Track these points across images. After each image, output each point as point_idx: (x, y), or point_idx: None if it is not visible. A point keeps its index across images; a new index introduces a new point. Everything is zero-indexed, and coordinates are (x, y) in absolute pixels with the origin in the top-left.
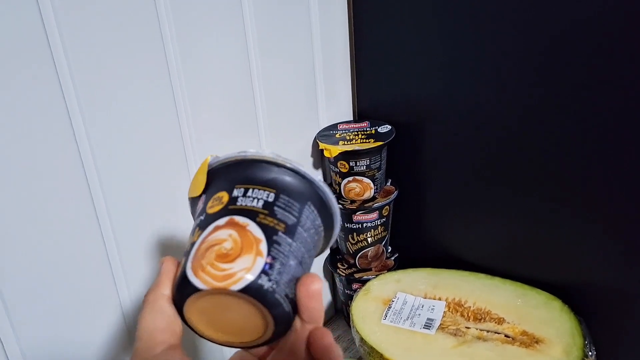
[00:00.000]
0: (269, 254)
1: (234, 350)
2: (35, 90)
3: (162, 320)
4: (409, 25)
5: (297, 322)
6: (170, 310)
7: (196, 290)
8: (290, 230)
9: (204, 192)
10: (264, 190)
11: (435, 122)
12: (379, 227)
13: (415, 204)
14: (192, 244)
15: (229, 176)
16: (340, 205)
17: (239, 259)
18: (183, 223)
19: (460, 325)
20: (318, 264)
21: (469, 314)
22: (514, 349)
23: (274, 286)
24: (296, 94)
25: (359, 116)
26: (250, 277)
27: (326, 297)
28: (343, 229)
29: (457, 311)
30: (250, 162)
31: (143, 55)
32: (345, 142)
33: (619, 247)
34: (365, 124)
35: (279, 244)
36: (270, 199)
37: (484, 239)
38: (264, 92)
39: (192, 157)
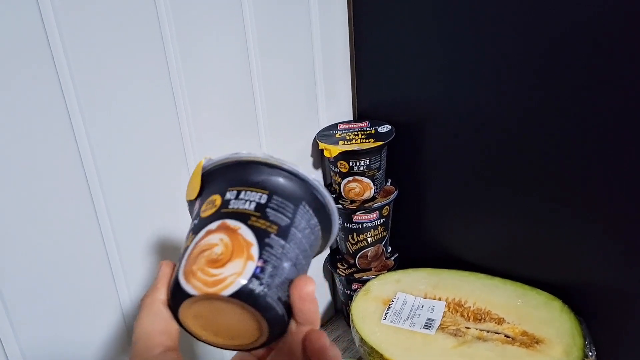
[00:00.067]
0: (260, 257)
1: (234, 352)
2: (35, 90)
3: (159, 323)
4: (409, 26)
5: (293, 324)
6: (166, 313)
7: (188, 296)
8: (283, 232)
9: (199, 195)
10: (257, 192)
11: (435, 123)
12: (379, 227)
13: (415, 204)
14: (186, 249)
15: (222, 179)
16: (340, 205)
17: (230, 263)
18: (183, 223)
19: (460, 325)
20: (318, 264)
21: (469, 314)
22: (514, 349)
23: (266, 290)
24: (296, 94)
25: (359, 116)
26: (240, 282)
27: (326, 297)
28: (343, 229)
29: (457, 311)
30: (243, 164)
31: (143, 55)
32: (345, 142)
33: (619, 247)
34: (365, 123)
35: (271, 246)
36: (263, 201)
37: (484, 239)
38: (264, 92)
39: (192, 156)
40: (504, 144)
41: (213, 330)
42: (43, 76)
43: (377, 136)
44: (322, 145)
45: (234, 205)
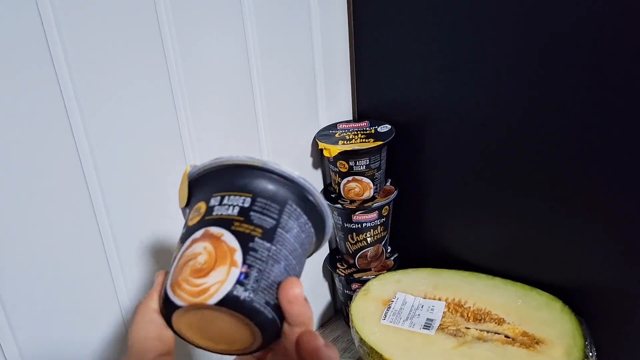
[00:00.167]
0: (244, 262)
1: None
2: (34, 90)
3: (153, 329)
4: (409, 26)
5: (286, 325)
6: (159, 320)
7: (177, 307)
8: (268, 235)
9: (188, 202)
10: (240, 196)
11: (435, 123)
12: (379, 227)
13: (415, 204)
14: (174, 259)
15: (207, 185)
16: (340, 205)
17: (213, 272)
18: (181, 223)
19: (460, 325)
20: (317, 264)
21: (469, 315)
22: (515, 350)
23: (251, 295)
24: (296, 93)
25: (358, 116)
26: (224, 290)
27: (325, 297)
28: (342, 228)
29: (457, 311)
30: (226, 169)
31: (142, 54)
32: (345, 142)
33: (619, 247)
34: (365, 123)
35: (255, 250)
36: (246, 204)
37: (484, 239)
38: (263, 91)
39: (192, 157)
40: (504, 144)
41: (208, 337)
42: (42, 76)
43: (376, 136)
44: (321, 145)
45: (217, 211)
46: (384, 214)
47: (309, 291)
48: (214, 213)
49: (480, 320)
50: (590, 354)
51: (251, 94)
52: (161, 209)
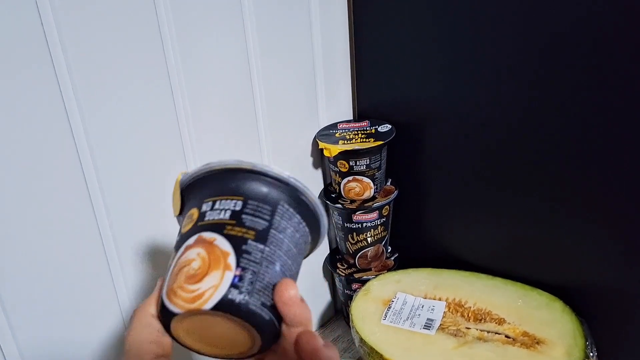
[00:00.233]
0: (238, 265)
1: None
2: (34, 91)
3: (150, 333)
4: (409, 26)
5: (284, 327)
6: (157, 324)
7: (173, 314)
8: (261, 236)
9: (181, 210)
10: (231, 200)
11: (435, 123)
12: (379, 227)
13: (415, 203)
14: (169, 267)
15: (199, 191)
16: (340, 205)
17: (207, 277)
18: None
19: (461, 325)
20: (318, 264)
21: (470, 315)
22: (515, 350)
23: (247, 298)
24: (296, 93)
25: (359, 116)
26: (219, 294)
27: (326, 297)
28: (343, 228)
29: (458, 311)
30: (216, 174)
31: (142, 55)
32: (345, 142)
33: (619, 247)
34: (365, 123)
35: (248, 252)
36: (238, 208)
37: (484, 239)
38: (264, 91)
39: (192, 157)
40: (504, 144)
41: (208, 342)
42: (42, 76)
43: (377, 136)
44: (322, 145)
45: (209, 216)
46: (385, 214)
47: (309, 291)
48: (206, 218)
49: (480, 320)
50: (591, 354)
51: (251, 94)
52: (161, 209)
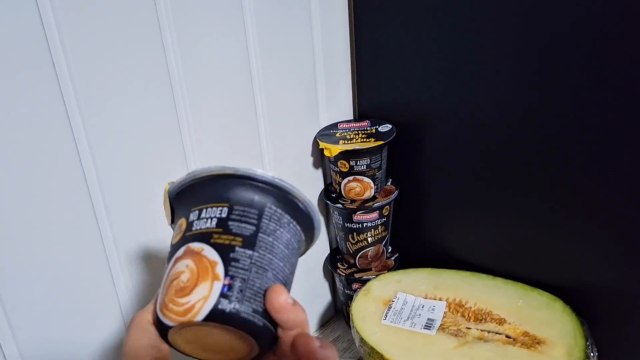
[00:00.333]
0: (226, 274)
1: None
2: (35, 91)
3: (147, 337)
4: (409, 26)
5: (280, 330)
6: (154, 330)
7: (168, 327)
8: (249, 242)
9: (172, 220)
10: (217, 207)
11: (435, 123)
12: (379, 226)
13: (415, 203)
14: (162, 279)
15: (185, 200)
16: (341, 205)
17: (196, 288)
18: None
19: (461, 325)
20: (318, 264)
21: (470, 315)
22: (516, 350)
23: (237, 306)
24: (296, 93)
25: (359, 116)
26: (208, 306)
27: (326, 297)
28: (343, 228)
29: (458, 312)
30: (200, 182)
31: (143, 55)
32: (346, 142)
33: (619, 248)
34: (365, 123)
35: (236, 260)
36: (224, 215)
37: (485, 240)
38: (264, 91)
39: (192, 157)
40: (504, 144)
41: (207, 349)
42: (42, 77)
43: (377, 135)
44: (322, 145)
45: (196, 226)
46: (385, 214)
47: (309, 291)
48: (194, 228)
49: (481, 320)
50: (592, 354)
51: (251, 94)
52: (161, 209)
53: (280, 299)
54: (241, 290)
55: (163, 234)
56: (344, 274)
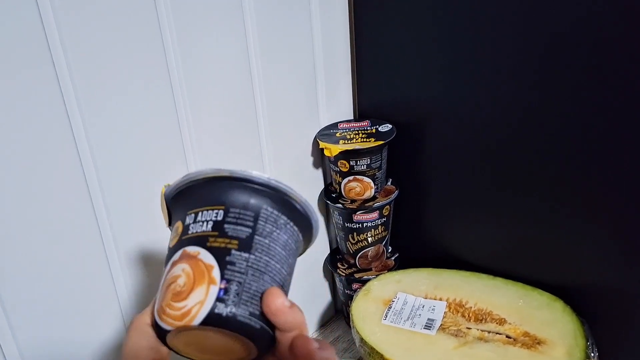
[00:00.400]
0: (222, 278)
1: None
2: (35, 90)
3: (146, 340)
4: (409, 26)
5: (278, 332)
6: (153, 333)
7: (166, 331)
8: (245, 245)
9: (169, 223)
10: (212, 210)
11: (435, 123)
12: (380, 226)
13: (415, 203)
14: (160, 282)
15: (181, 203)
16: (341, 205)
17: (192, 293)
18: None
19: (461, 325)
20: (318, 264)
21: (470, 315)
22: (516, 350)
23: (234, 310)
24: (296, 93)
25: (359, 116)
26: (205, 310)
27: (326, 297)
28: (343, 228)
29: (458, 312)
30: (195, 184)
31: (143, 55)
32: (346, 141)
33: (619, 248)
34: (366, 122)
35: (232, 263)
36: (220, 218)
37: (485, 239)
38: (264, 91)
39: (192, 157)
40: (504, 144)
41: (206, 351)
42: (42, 76)
43: (377, 135)
44: (322, 145)
45: (192, 229)
46: (385, 214)
47: (309, 291)
48: (190, 231)
49: (481, 320)
50: (592, 354)
51: (252, 93)
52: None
53: (277, 302)
54: (238, 294)
55: (163, 233)
56: (344, 274)
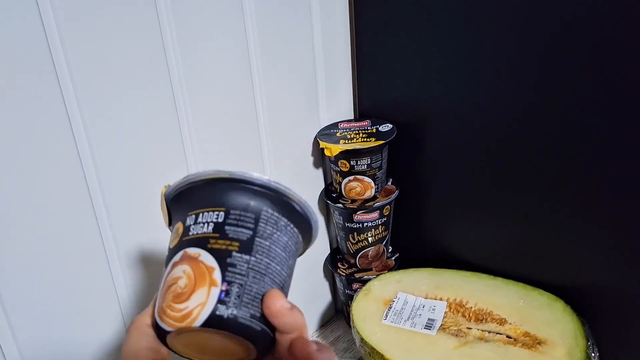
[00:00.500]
0: (223, 280)
1: None
2: (35, 91)
3: (146, 340)
4: (410, 26)
5: (278, 333)
6: (153, 333)
7: (166, 332)
8: (246, 247)
9: (170, 223)
10: (213, 211)
11: (436, 123)
12: (380, 226)
13: (416, 203)
14: (160, 283)
15: (181, 204)
16: (341, 205)
17: (193, 294)
18: None
19: (462, 325)
20: (318, 264)
21: (471, 315)
22: (516, 350)
23: (235, 312)
24: (297, 93)
25: (359, 116)
26: (206, 312)
27: (326, 297)
28: (343, 228)
29: (459, 312)
30: (196, 186)
31: (143, 55)
32: (346, 141)
33: (619, 248)
34: (366, 122)
35: (234, 265)
36: (220, 219)
37: (485, 239)
38: (264, 91)
39: (192, 157)
40: (504, 142)
41: (207, 352)
42: (43, 77)
43: (378, 135)
44: (322, 144)
45: (193, 230)
46: (385, 214)
47: (309, 291)
48: (191, 233)
49: (481, 320)
50: (593, 354)
51: (252, 93)
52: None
53: (277, 304)
54: (238, 296)
55: (163, 234)
56: (344, 274)
